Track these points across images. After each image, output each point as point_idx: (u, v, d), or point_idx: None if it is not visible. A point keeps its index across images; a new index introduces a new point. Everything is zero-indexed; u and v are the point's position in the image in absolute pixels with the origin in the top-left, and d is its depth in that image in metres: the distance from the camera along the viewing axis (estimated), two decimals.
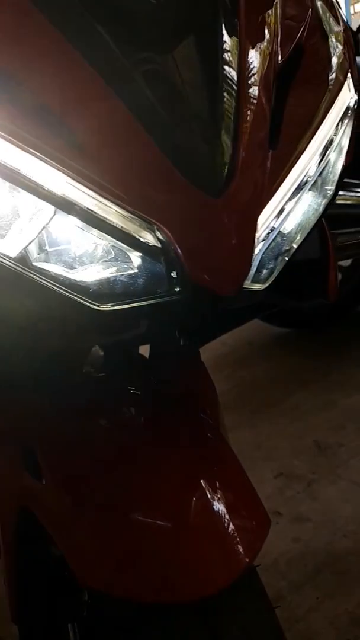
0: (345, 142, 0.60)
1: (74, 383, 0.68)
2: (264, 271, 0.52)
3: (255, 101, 0.50)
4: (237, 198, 0.46)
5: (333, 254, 0.64)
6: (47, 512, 0.56)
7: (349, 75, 0.61)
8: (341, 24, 0.68)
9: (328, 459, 1.77)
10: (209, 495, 0.53)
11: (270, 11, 0.58)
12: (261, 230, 0.49)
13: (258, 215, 0.48)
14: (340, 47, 0.63)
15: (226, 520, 0.52)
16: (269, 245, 0.51)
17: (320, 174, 0.57)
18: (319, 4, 0.65)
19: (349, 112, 0.60)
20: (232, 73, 0.49)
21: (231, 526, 0.52)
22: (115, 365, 0.72)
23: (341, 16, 0.71)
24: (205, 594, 0.49)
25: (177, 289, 0.46)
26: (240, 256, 0.47)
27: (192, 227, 0.45)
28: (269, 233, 0.50)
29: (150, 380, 0.73)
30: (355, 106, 0.61)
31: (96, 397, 0.68)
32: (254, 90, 0.50)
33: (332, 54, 0.61)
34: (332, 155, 0.58)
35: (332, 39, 0.63)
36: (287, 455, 1.80)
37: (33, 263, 0.46)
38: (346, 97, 0.59)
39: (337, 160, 0.59)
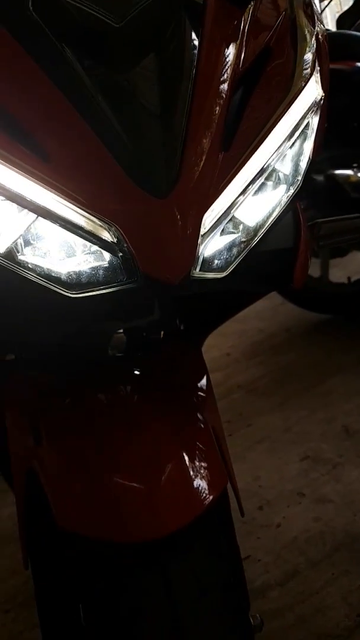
0: (311, 137, 0.65)
1: (92, 364, 0.76)
2: (216, 262, 0.57)
3: (207, 110, 0.55)
4: (181, 199, 0.52)
5: (305, 242, 0.69)
6: (44, 470, 0.65)
7: (315, 72, 0.65)
8: (316, 22, 0.72)
9: (355, 444, 1.79)
10: (178, 461, 0.60)
11: (238, 20, 0.63)
12: (208, 226, 0.54)
13: (203, 213, 0.53)
14: (311, 46, 0.67)
15: (188, 478, 0.60)
16: (218, 239, 0.56)
17: (282, 169, 0.62)
18: (294, 3, 0.69)
19: (314, 107, 0.64)
20: (187, 85, 0.55)
21: (191, 482, 0.60)
22: (129, 350, 0.79)
23: (317, 14, 0.74)
24: (166, 532, 0.56)
25: (132, 278, 0.53)
26: (183, 250, 0.53)
27: (141, 226, 0.51)
28: (215, 228, 0.55)
29: (152, 364, 0.80)
30: (322, 102, 0.65)
31: (101, 376, 0.75)
32: (208, 100, 0.56)
33: (301, 54, 0.65)
34: (293, 150, 0.63)
35: (303, 38, 0.67)
36: (315, 439, 1.83)
37: (18, 258, 0.54)
38: (311, 93, 0.64)
39: (302, 155, 0.64)
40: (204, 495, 0.59)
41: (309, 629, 1.20)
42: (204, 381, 0.79)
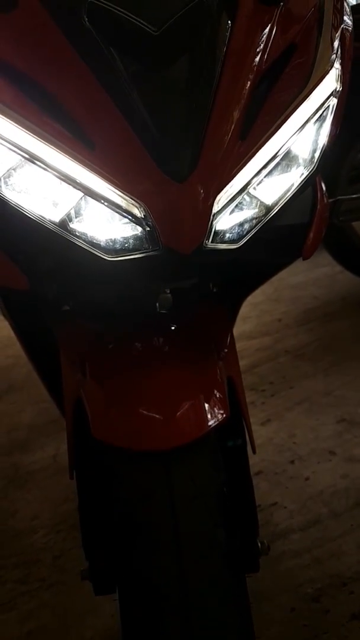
0: (327, 125, 0.74)
1: (135, 318, 0.90)
2: (228, 235, 0.69)
3: (229, 105, 0.66)
4: (197, 183, 0.64)
5: (320, 218, 0.79)
6: (87, 398, 0.80)
7: (335, 67, 0.73)
8: (344, 15, 0.79)
9: None
10: (191, 398, 0.75)
11: (267, 18, 0.71)
12: (221, 205, 0.65)
13: (216, 195, 0.65)
14: (334, 42, 0.75)
15: (196, 411, 0.75)
16: (233, 215, 0.68)
17: (299, 153, 0.71)
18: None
19: (330, 100, 0.72)
20: (212, 83, 0.66)
21: (198, 414, 0.75)
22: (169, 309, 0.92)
23: (347, 7, 0.81)
24: (171, 445, 0.72)
25: (156, 248, 0.66)
26: (196, 225, 0.65)
27: (163, 205, 0.64)
28: (227, 206, 0.66)
29: (186, 322, 0.92)
30: (339, 93, 0.73)
31: (140, 329, 0.88)
32: (230, 96, 0.66)
33: (323, 50, 0.73)
34: (310, 136, 0.72)
35: (327, 34, 0.75)
36: (353, 404, 1.92)
37: (69, 227, 0.67)
38: (327, 87, 0.72)
39: (318, 141, 0.73)
40: (205, 423, 0.73)
41: (323, 570, 1.33)
42: (228, 339, 0.91)
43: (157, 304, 0.89)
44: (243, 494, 0.88)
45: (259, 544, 0.93)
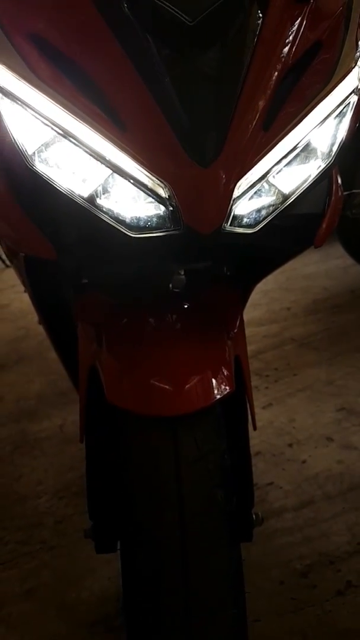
0: (346, 121, 0.77)
1: (153, 295, 0.95)
2: (246, 220, 0.73)
3: (255, 97, 0.70)
4: (220, 169, 0.68)
5: (333, 209, 0.82)
6: (102, 366, 0.85)
7: (358, 64, 0.77)
8: None
9: None
10: (199, 372, 0.80)
11: (297, 14, 0.75)
12: (240, 191, 0.70)
13: (237, 181, 0.69)
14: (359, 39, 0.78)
15: (203, 383, 0.80)
16: (252, 201, 0.72)
17: (318, 147, 0.75)
18: None
19: (351, 96, 0.76)
20: (241, 74, 0.69)
21: (204, 386, 0.80)
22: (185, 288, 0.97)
23: None
24: (179, 412, 0.77)
25: (177, 227, 0.70)
26: (217, 208, 0.69)
27: (188, 188, 0.68)
28: (247, 193, 0.70)
29: (199, 302, 0.97)
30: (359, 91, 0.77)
31: (155, 305, 0.93)
32: (256, 88, 0.70)
33: (348, 47, 0.76)
34: (329, 131, 0.75)
35: (353, 32, 0.78)
36: (354, 394, 1.96)
37: (97, 202, 0.71)
38: (349, 84, 0.75)
39: (337, 136, 0.77)
40: (211, 395, 0.79)
41: (313, 548, 1.39)
42: (238, 321, 0.96)
43: (171, 284, 0.94)
44: (242, 466, 0.93)
45: (254, 516, 0.98)
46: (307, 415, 1.87)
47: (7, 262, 4.23)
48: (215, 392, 0.78)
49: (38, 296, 1.09)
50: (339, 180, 0.87)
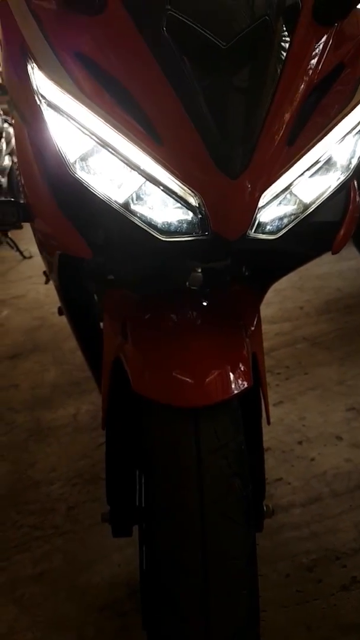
0: None
1: (172, 290, 0.98)
2: (269, 227, 0.77)
3: (281, 114, 0.74)
4: (247, 181, 0.72)
5: (350, 218, 0.86)
6: (126, 358, 0.89)
7: None
8: None
9: None
10: (219, 366, 0.83)
11: (322, 38, 0.79)
12: (265, 201, 0.74)
13: (262, 192, 0.73)
14: None
15: (222, 377, 0.83)
16: (274, 209, 0.75)
17: (338, 160, 0.79)
18: None
19: None
20: (269, 93, 0.73)
21: (224, 380, 0.83)
22: (203, 286, 1.01)
23: None
24: (201, 404, 0.81)
25: (205, 233, 0.74)
26: (243, 217, 0.73)
27: (217, 197, 0.72)
28: (271, 202, 0.74)
29: (218, 300, 1.00)
30: None
31: (177, 302, 0.96)
32: (283, 107, 0.74)
33: None
34: (349, 147, 0.79)
35: None
36: None
37: (131, 207, 0.75)
38: None
39: (355, 151, 0.81)
40: (230, 389, 0.82)
41: (319, 543, 1.42)
42: (255, 319, 0.99)
43: (188, 282, 0.98)
44: (255, 459, 0.96)
45: (265, 507, 1.02)
46: (317, 414, 1.90)
47: (25, 254, 4.32)
48: (234, 386, 0.82)
49: (66, 291, 1.13)
50: (357, 190, 0.91)
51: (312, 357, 2.29)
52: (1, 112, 4.95)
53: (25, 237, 3.31)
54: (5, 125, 4.86)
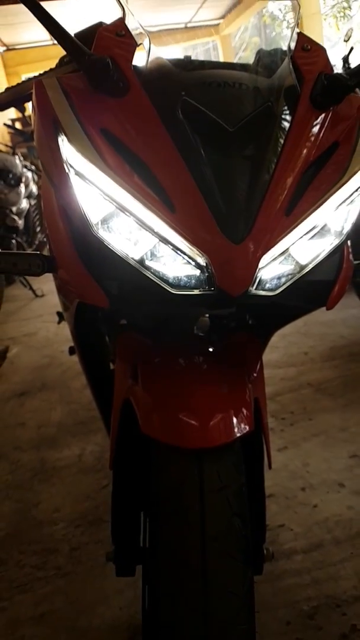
0: (357, 204, 0.89)
1: (182, 336, 1.04)
2: (268, 285, 0.84)
3: (280, 188, 0.82)
4: (248, 245, 0.79)
5: (344, 277, 0.94)
6: (136, 400, 0.93)
7: None
8: None
9: None
10: (223, 410, 0.88)
11: (318, 120, 0.89)
12: (265, 263, 0.81)
13: (262, 255, 0.80)
14: None
15: (226, 421, 0.87)
16: (273, 269, 0.83)
17: (332, 226, 0.86)
18: None
19: None
20: (271, 168, 0.83)
21: (227, 424, 0.87)
22: (209, 333, 1.06)
23: None
24: (209, 444, 0.85)
25: (211, 288, 0.81)
26: (245, 276, 0.80)
27: (222, 259, 0.79)
28: (270, 264, 0.82)
29: (223, 346, 1.05)
30: None
31: (185, 348, 1.01)
32: (281, 185, 0.83)
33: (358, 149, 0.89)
34: (342, 215, 0.87)
35: None
36: None
37: (146, 263, 0.81)
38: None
39: (348, 219, 0.89)
40: (233, 432, 0.86)
41: (320, 590, 1.42)
42: (258, 365, 1.04)
43: (196, 327, 1.03)
44: (256, 501, 0.99)
45: (265, 550, 1.04)
46: (320, 460, 1.92)
47: (37, 293, 4.46)
48: (236, 429, 0.86)
49: (80, 333, 1.19)
50: (350, 252, 0.97)
51: (316, 403, 2.32)
52: (22, 158, 5.13)
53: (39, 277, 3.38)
54: (25, 170, 5.02)
